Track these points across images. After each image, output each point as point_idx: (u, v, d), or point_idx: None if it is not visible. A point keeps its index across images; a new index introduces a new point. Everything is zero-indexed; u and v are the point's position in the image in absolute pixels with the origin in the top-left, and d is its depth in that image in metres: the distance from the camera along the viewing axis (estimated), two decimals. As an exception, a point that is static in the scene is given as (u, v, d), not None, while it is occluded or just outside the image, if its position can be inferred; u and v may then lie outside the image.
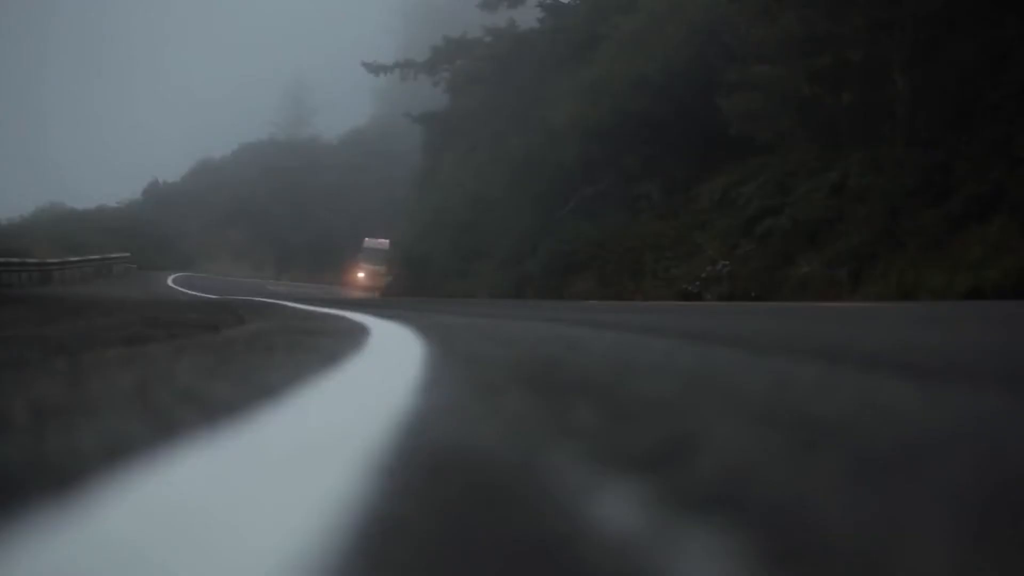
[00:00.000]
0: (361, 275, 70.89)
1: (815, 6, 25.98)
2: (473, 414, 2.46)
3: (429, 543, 1.24)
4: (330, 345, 5.21)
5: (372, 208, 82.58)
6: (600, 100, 35.53)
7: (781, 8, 26.86)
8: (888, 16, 24.09)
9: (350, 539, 1.24)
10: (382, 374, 3.71)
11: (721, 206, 28.42)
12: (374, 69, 53.86)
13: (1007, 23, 22.21)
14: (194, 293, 36.81)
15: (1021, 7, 22.11)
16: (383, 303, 20.95)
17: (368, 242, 73.81)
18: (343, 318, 9.57)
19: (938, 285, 17.94)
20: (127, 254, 62.05)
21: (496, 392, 2.97)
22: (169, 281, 50.88)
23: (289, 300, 21.17)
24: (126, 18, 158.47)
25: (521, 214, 39.66)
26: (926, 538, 1.26)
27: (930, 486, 1.57)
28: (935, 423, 2.34)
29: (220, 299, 22.42)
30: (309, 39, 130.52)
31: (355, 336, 5.99)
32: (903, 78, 24.53)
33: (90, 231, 71.50)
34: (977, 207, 19.63)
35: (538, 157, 39.39)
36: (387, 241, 71.54)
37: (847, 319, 9.32)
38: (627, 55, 35.66)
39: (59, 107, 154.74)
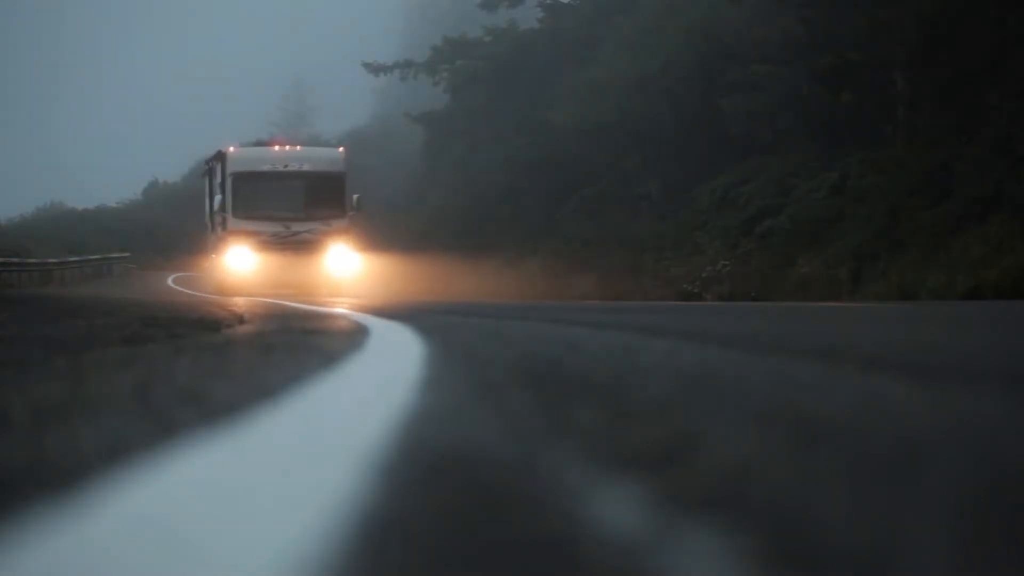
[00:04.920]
0: (233, 257, 28.73)
1: (815, 6, 25.99)
2: (473, 414, 2.46)
3: (426, 541, 1.24)
4: (330, 345, 5.20)
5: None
6: (600, 100, 35.54)
7: (781, 8, 26.87)
8: (888, 16, 24.09)
9: (349, 538, 1.24)
10: (382, 374, 3.70)
11: (721, 206, 28.41)
12: (374, 69, 53.85)
13: (1007, 23, 22.20)
14: (195, 293, 36.79)
15: (1021, 7, 22.10)
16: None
17: (240, 155, 29.85)
18: (344, 318, 9.57)
19: (938, 285, 17.93)
20: (127, 254, 62.00)
21: (496, 392, 2.96)
22: (169, 281, 50.88)
23: None
24: (127, 18, 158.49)
25: (521, 214, 39.67)
26: (925, 537, 1.26)
27: (929, 486, 1.57)
28: (935, 423, 2.34)
29: (220, 299, 22.41)
30: (309, 39, 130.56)
31: (355, 336, 5.98)
32: (903, 78, 24.53)
33: (90, 231, 71.44)
34: (977, 207, 19.63)
35: (538, 157, 39.39)
36: (335, 151, 32.35)
37: (847, 319, 9.32)
38: (627, 55, 35.67)
39: (60, 107, 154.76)
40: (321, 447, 1.93)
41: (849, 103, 25.55)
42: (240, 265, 28.51)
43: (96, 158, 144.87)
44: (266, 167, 29.33)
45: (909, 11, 23.70)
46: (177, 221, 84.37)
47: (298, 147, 32.03)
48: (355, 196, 29.59)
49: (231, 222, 28.81)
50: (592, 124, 35.49)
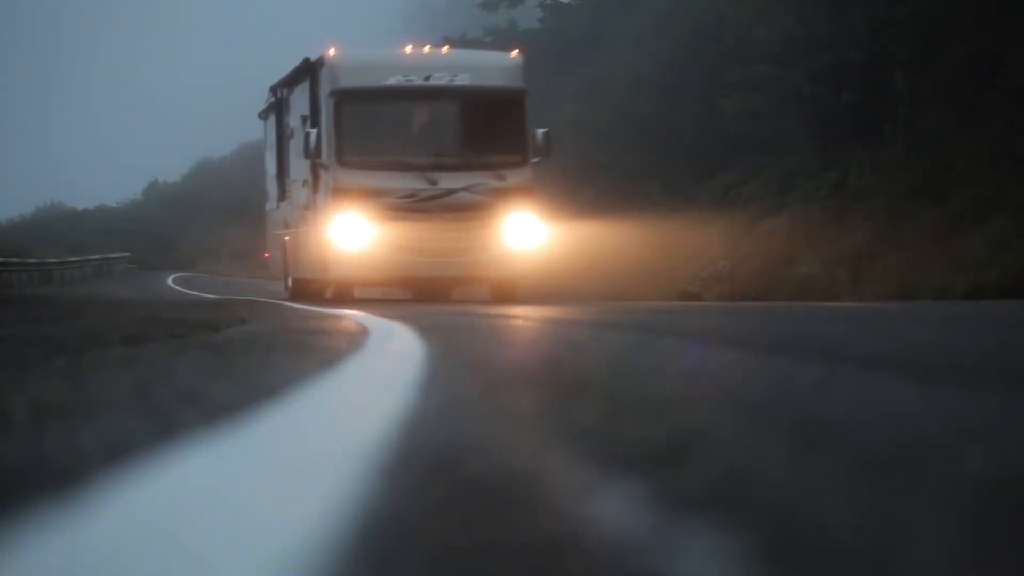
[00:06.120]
0: (340, 232, 16.99)
1: (815, 6, 26.02)
2: (474, 413, 2.45)
3: (425, 539, 1.24)
4: (330, 345, 5.20)
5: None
6: (600, 100, 35.55)
7: (781, 8, 26.90)
8: (888, 16, 24.11)
9: (349, 539, 1.24)
10: (383, 374, 3.70)
11: (721, 206, 28.42)
12: (374, 69, 53.86)
13: (1007, 24, 22.21)
14: (195, 293, 36.83)
15: (1021, 7, 22.11)
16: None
17: (349, 61, 17.82)
18: (343, 317, 9.56)
19: (938, 285, 17.94)
20: (127, 254, 62.04)
21: (497, 391, 2.96)
22: (169, 281, 50.92)
23: None
24: (127, 18, 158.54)
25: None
26: (924, 537, 1.26)
27: (929, 486, 1.57)
28: (935, 423, 2.34)
29: (220, 299, 22.41)
30: (309, 39, 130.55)
31: (355, 337, 5.98)
32: (903, 78, 24.55)
33: (90, 231, 71.51)
34: (977, 207, 19.63)
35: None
36: (507, 56, 19.32)
37: (847, 319, 9.32)
38: (628, 55, 35.70)
39: (60, 107, 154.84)
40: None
41: (849, 103, 25.56)
42: (352, 244, 17.03)
43: (96, 158, 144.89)
44: (395, 80, 17.57)
45: (909, 11, 23.70)
46: (177, 221, 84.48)
47: (444, 48, 19.88)
48: (540, 131, 18.10)
49: (335, 174, 17.17)
50: (592, 124, 35.50)
